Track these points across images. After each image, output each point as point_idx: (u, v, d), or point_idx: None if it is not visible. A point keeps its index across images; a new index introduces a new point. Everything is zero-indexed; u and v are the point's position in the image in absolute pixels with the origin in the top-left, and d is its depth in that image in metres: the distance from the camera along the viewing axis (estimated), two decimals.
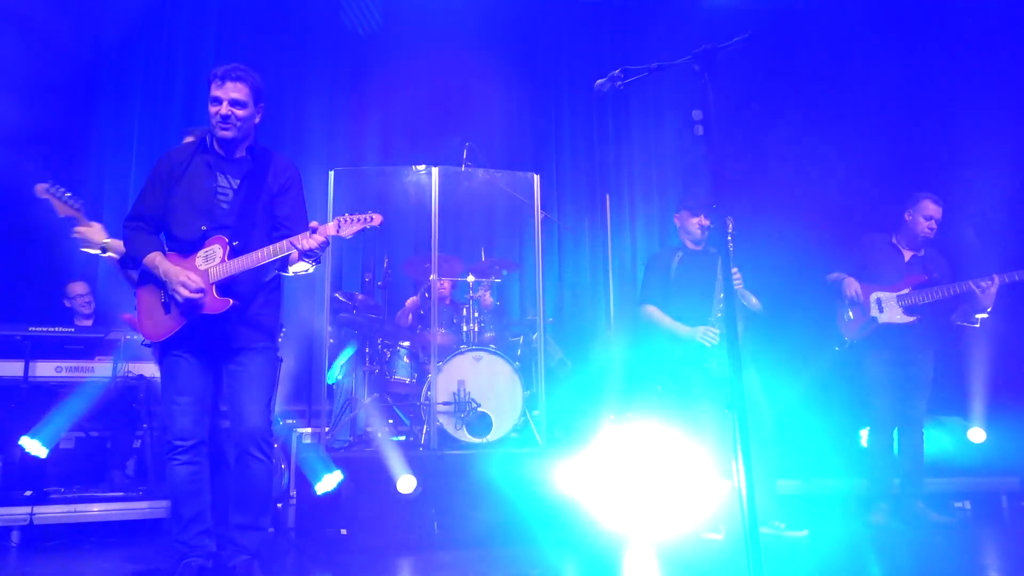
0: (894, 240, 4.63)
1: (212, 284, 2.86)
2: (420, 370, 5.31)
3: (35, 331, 4.70)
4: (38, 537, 4.03)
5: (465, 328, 5.28)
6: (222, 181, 2.98)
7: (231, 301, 2.86)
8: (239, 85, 2.93)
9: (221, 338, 2.94)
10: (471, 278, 5.44)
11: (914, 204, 4.56)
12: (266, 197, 3.00)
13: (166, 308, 2.91)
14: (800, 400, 5.21)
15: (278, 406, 4.55)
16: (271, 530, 4.18)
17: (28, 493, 4.17)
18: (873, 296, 4.50)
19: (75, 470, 4.59)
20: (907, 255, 4.57)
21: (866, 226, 4.83)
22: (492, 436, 4.80)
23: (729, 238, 4.08)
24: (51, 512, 4.09)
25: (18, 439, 4.30)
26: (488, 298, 5.52)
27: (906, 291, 4.42)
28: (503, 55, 6.97)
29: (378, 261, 6.02)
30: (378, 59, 6.76)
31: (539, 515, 4.22)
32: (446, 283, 5.60)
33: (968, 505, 4.98)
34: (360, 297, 5.64)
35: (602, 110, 7.12)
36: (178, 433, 2.89)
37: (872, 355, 4.49)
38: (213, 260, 2.88)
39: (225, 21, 6.70)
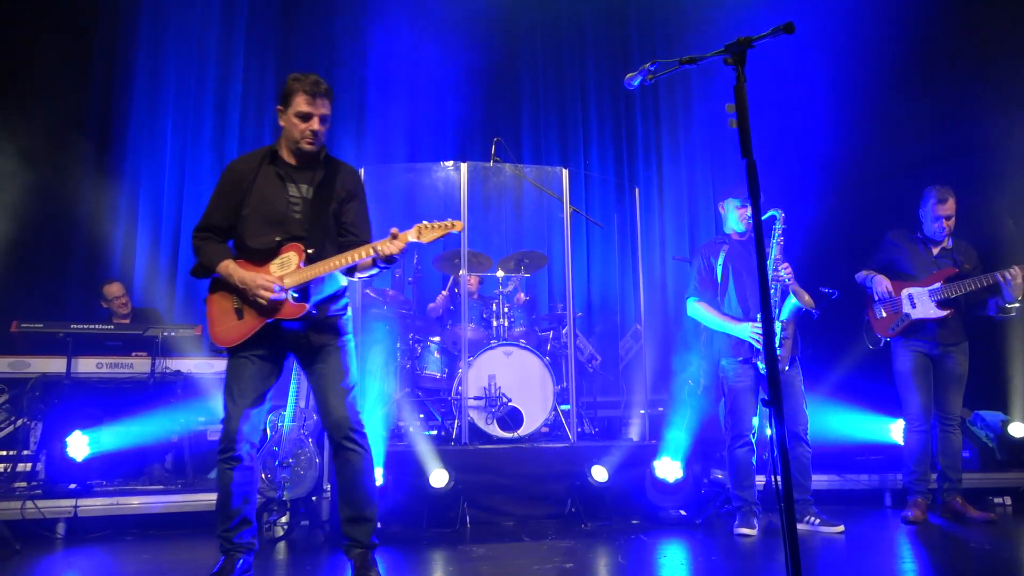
0: (920, 235, 4.54)
1: (288, 291, 2.89)
2: (451, 365, 5.35)
3: (77, 328, 4.82)
4: (82, 529, 4.14)
5: (495, 323, 5.30)
6: (293, 191, 3.01)
7: (306, 306, 2.91)
8: (327, 101, 2.97)
9: (295, 341, 3.00)
10: (500, 273, 5.45)
11: (922, 200, 4.50)
12: (335, 205, 3.05)
13: (238, 314, 2.95)
14: (834, 395, 5.16)
15: (312, 400, 4.61)
16: (308, 522, 4.25)
17: (72, 486, 4.29)
18: (904, 292, 4.42)
19: (115, 464, 4.70)
20: (935, 249, 4.49)
21: (900, 220, 4.74)
22: (523, 431, 4.82)
23: (779, 232, 4.06)
24: (94, 505, 4.20)
25: (62, 433, 4.42)
26: (521, 296, 5.54)
27: (937, 285, 4.34)
28: (530, 50, 6.97)
29: (408, 257, 6.06)
30: (405, 57, 6.80)
31: (571, 508, 4.24)
32: (473, 279, 5.63)
33: (1009, 501, 4.88)
34: (391, 293, 5.69)
35: (631, 103, 7.07)
36: (229, 437, 2.94)
37: (906, 350, 4.42)
38: (288, 267, 2.91)
39: (256, 14, 6.78)
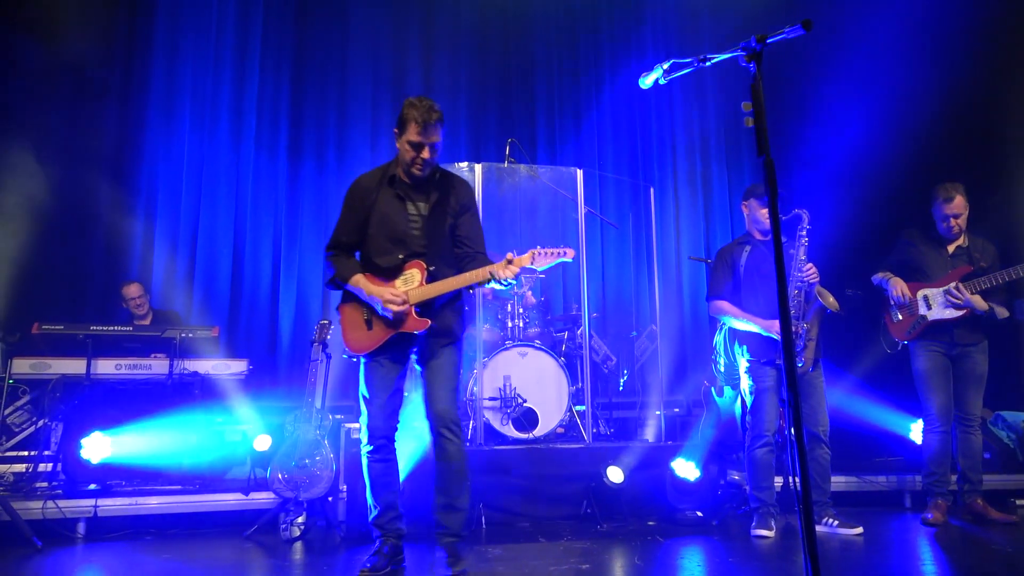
0: (933, 234, 4.49)
1: (411, 305, 3.10)
2: (466, 366, 5.35)
3: (96, 330, 4.88)
4: (102, 529, 4.18)
5: (510, 324, 5.30)
6: (411, 208, 3.21)
7: (429, 322, 3.12)
8: (439, 128, 3.12)
9: (419, 349, 3.25)
10: None
11: (932, 199, 4.44)
12: (450, 219, 3.23)
13: (368, 324, 3.19)
14: (853, 396, 5.11)
15: (328, 401, 4.64)
16: (324, 522, 4.27)
17: (92, 486, 4.34)
18: (920, 293, 4.37)
19: (133, 464, 4.73)
20: (950, 247, 4.43)
21: (918, 221, 4.70)
22: (538, 431, 4.82)
23: (804, 232, 4.02)
24: (113, 505, 4.25)
25: (82, 434, 4.47)
26: (531, 296, 5.54)
27: (951, 285, 4.28)
28: (543, 49, 6.96)
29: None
30: (418, 57, 6.82)
31: (587, 509, 4.23)
32: None
33: None
34: None
35: (645, 102, 7.05)
36: (372, 434, 3.23)
37: (924, 351, 4.37)
38: (412, 283, 3.13)
39: (271, 15, 6.82)
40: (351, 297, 3.23)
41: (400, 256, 3.16)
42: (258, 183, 6.55)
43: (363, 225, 3.21)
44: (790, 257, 3.99)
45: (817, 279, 4.01)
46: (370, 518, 3.30)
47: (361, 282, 3.16)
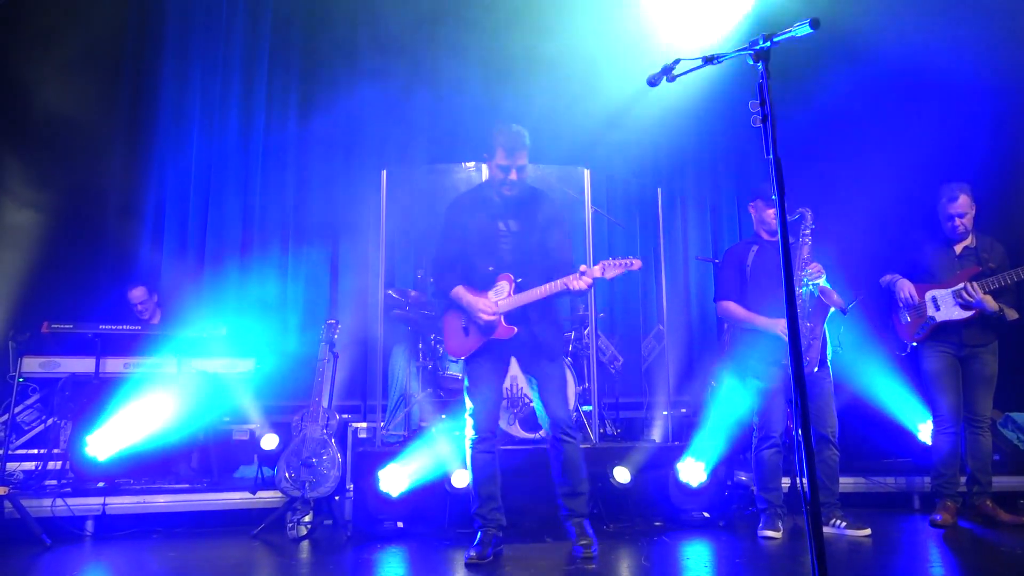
0: (940, 235, 4.46)
1: (501, 315, 3.46)
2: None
3: (105, 329, 4.90)
4: (110, 526, 4.20)
5: None
6: (502, 226, 3.58)
7: (515, 329, 3.49)
8: (525, 152, 3.49)
9: (516, 348, 3.59)
10: None
11: (937, 199, 4.42)
12: (537, 234, 3.57)
13: (465, 331, 3.57)
14: (861, 398, 5.08)
15: (335, 400, 4.65)
16: (331, 521, 4.28)
17: (101, 484, 4.36)
18: (928, 295, 4.35)
19: (142, 462, 4.76)
20: (958, 248, 4.39)
21: (927, 222, 4.67)
22: (544, 431, 4.81)
23: (808, 231, 4.00)
24: (122, 503, 4.27)
25: (90, 432, 4.50)
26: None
27: (961, 286, 4.25)
28: (549, 46, 6.94)
29: (430, 258, 6.07)
30: (425, 56, 6.82)
31: (593, 510, 4.21)
32: None
33: None
34: (413, 294, 5.70)
35: (651, 101, 7.01)
36: (476, 427, 3.55)
37: (933, 352, 4.34)
38: (502, 294, 3.51)
39: (280, 17, 6.83)
40: (453, 306, 3.60)
41: (491, 269, 3.53)
42: (266, 182, 6.56)
43: (461, 242, 3.59)
44: (794, 256, 3.98)
45: (821, 278, 3.98)
46: (473, 509, 3.58)
47: (460, 293, 3.53)
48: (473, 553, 3.42)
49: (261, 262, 6.55)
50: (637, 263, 3.43)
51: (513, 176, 3.48)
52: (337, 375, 4.66)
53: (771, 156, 1.92)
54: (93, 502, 4.18)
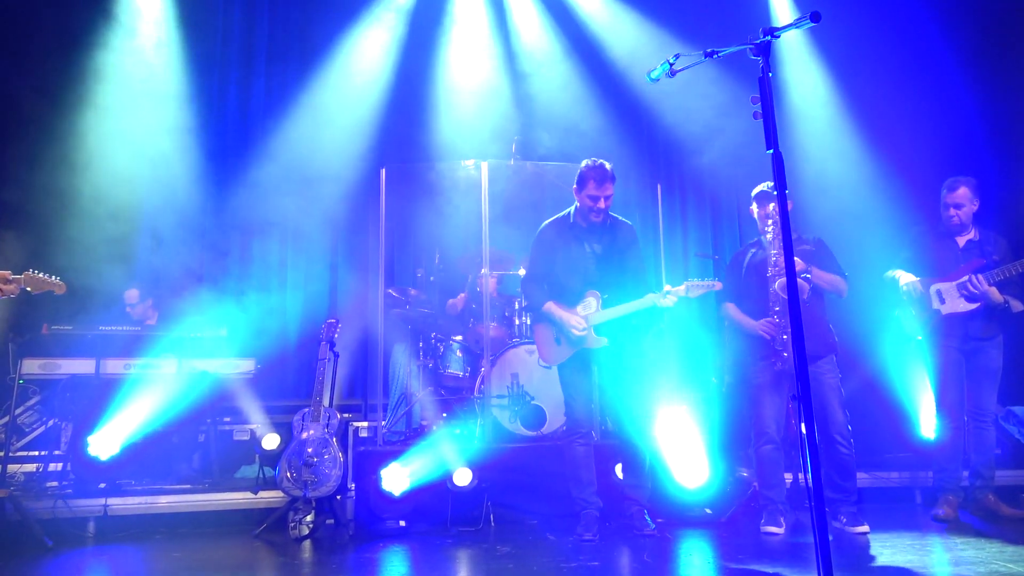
0: (942, 227, 4.46)
1: (590, 327, 3.87)
2: (473, 364, 5.35)
3: (105, 330, 4.90)
4: (112, 528, 4.19)
5: (517, 321, 5.29)
6: (587, 248, 4.01)
7: (604, 340, 3.89)
8: (612, 183, 3.93)
9: (600, 358, 3.97)
10: (522, 271, 5.43)
11: (940, 190, 4.43)
12: (617, 256, 4.00)
13: (558, 341, 3.99)
14: (864, 392, 5.08)
15: (336, 399, 4.64)
16: (333, 520, 4.27)
17: (102, 485, 4.35)
18: (932, 288, 4.34)
19: (144, 464, 4.76)
20: (960, 241, 4.39)
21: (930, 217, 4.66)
22: (546, 429, 4.82)
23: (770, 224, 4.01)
24: (123, 504, 4.26)
25: (91, 433, 4.49)
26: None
27: (965, 278, 4.25)
28: (550, 44, 6.93)
29: (429, 256, 6.07)
30: (424, 55, 6.80)
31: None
32: (491, 280, 5.60)
33: None
34: (413, 292, 5.70)
35: (652, 96, 7.00)
36: (576, 422, 3.99)
37: (938, 346, 4.34)
38: (589, 309, 3.93)
39: (276, 23, 6.81)
40: (544, 319, 4.03)
41: (580, 287, 3.95)
42: (264, 181, 6.52)
43: (550, 262, 4.02)
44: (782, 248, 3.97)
45: (798, 270, 3.95)
46: (574, 493, 3.98)
47: (551, 308, 3.97)
48: (587, 534, 3.80)
49: (261, 262, 6.54)
50: (718, 284, 3.97)
51: (602, 204, 3.92)
52: (338, 374, 4.64)
53: (771, 149, 1.91)
54: (95, 503, 4.18)
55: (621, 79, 6.90)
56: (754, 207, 4.22)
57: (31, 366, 4.78)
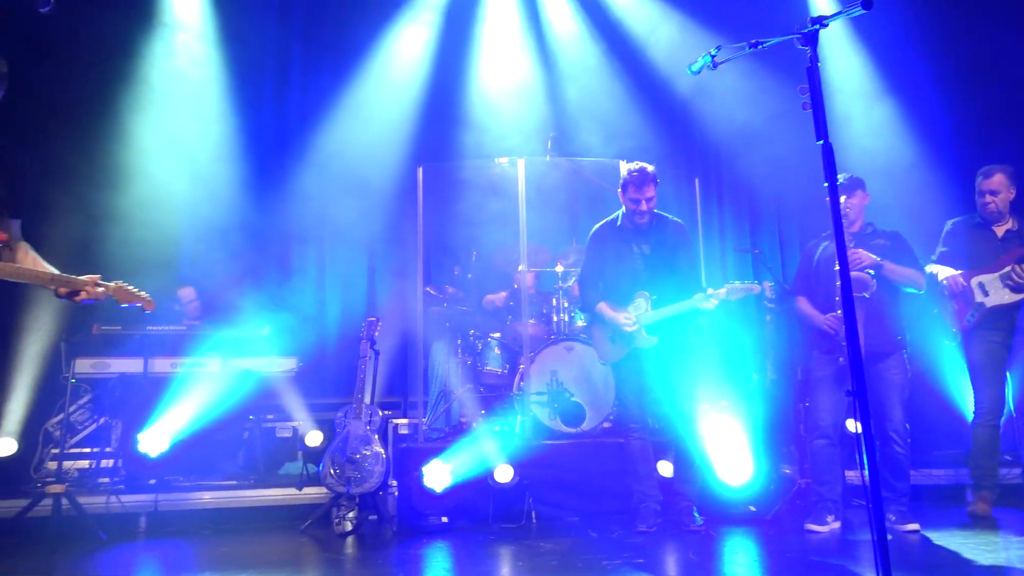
0: (978, 219, 4.34)
1: (641, 327, 3.96)
2: (511, 361, 5.35)
3: (152, 330, 5.01)
4: (162, 522, 4.29)
5: (555, 318, 5.28)
6: (636, 249, 4.08)
7: (655, 340, 3.96)
8: (653, 185, 4.00)
9: (655, 360, 4.01)
10: (560, 268, 5.43)
11: (976, 179, 4.33)
12: (667, 254, 4.05)
13: (612, 341, 4.07)
14: (912, 389, 4.96)
15: (377, 397, 4.68)
16: (376, 516, 4.31)
17: (152, 482, 4.46)
18: (974, 281, 4.23)
19: (190, 460, 4.86)
20: (999, 230, 4.27)
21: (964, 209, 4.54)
22: (586, 426, 4.80)
23: (844, 214, 3.90)
24: (172, 500, 4.36)
25: (140, 431, 4.60)
26: (576, 291, 5.50)
27: (1007, 268, 4.13)
28: (584, 39, 6.89)
29: (466, 254, 6.09)
30: (458, 52, 6.81)
31: (636, 504, 4.17)
32: (529, 276, 5.60)
33: None
34: (451, 290, 5.72)
35: (689, 90, 6.91)
36: (632, 418, 4.10)
37: (980, 341, 4.23)
38: (640, 309, 4.00)
39: (311, 26, 6.88)
40: (598, 319, 4.12)
41: (630, 288, 4.04)
42: (303, 179, 6.59)
43: (602, 264, 4.13)
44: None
45: (864, 264, 3.86)
46: (633, 486, 4.06)
47: (603, 309, 4.07)
48: (643, 525, 3.90)
49: (300, 261, 6.61)
50: (757, 288, 4.02)
51: (643, 207, 3.98)
52: (379, 372, 4.69)
53: (821, 140, 1.87)
54: (145, 499, 4.28)
55: (657, 73, 6.82)
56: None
57: (83, 365, 4.91)
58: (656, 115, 6.81)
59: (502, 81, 6.60)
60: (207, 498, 4.46)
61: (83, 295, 2.98)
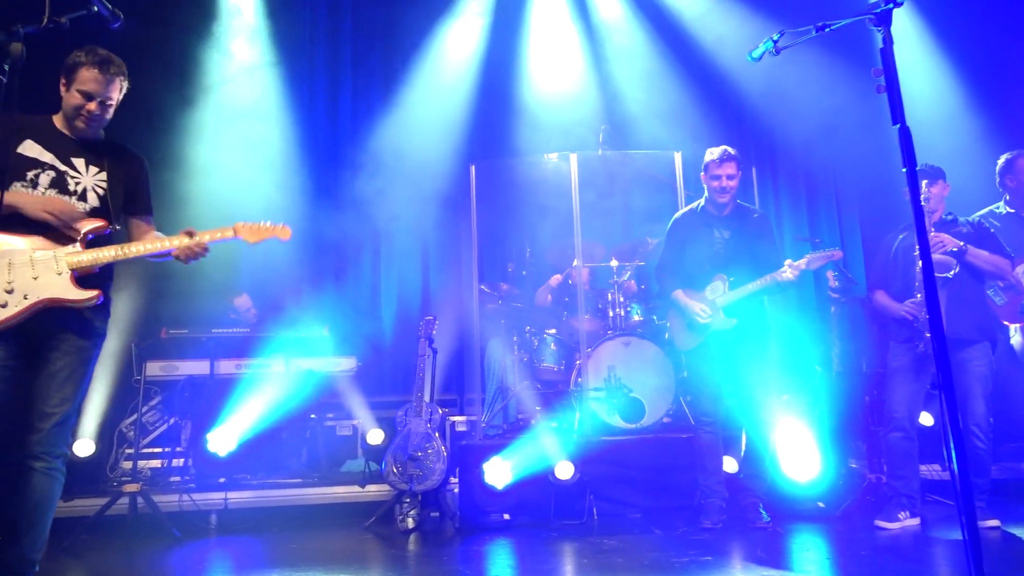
0: (1009, 209, 4.16)
1: (720, 308, 3.94)
2: (568, 357, 5.33)
3: (218, 332, 5.14)
4: (232, 520, 4.40)
5: (611, 313, 5.24)
6: (716, 234, 4.08)
7: (735, 321, 3.94)
8: (733, 164, 4.00)
9: (733, 346, 3.98)
10: (614, 262, 5.38)
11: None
12: (748, 241, 4.03)
13: (689, 328, 4.06)
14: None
15: (436, 395, 4.72)
16: (437, 514, 4.35)
17: (222, 480, 4.58)
18: (1020, 269, 4.04)
19: (257, 459, 4.98)
20: None
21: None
22: (645, 421, 4.75)
23: (924, 200, 3.77)
24: (242, 497, 4.47)
25: (208, 431, 4.74)
26: (632, 285, 5.45)
27: None
28: (633, 30, 6.81)
29: (520, 250, 6.08)
30: (507, 48, 6.81)
31: (700, 500, 4.12)
32: (584, 271, 5.56)
33: None
34: (504, 287, 5.73)
35: (741, 77, 6.76)
36: (704, 412, 4.10)
37: None
38: (717, 292, 4.00)
39: (360, 28, 6.96)
40: (675, 306, 4.14)
41: (708, 271, 4.03)
42: (355, 181, 6.68)
43: (681, 251, 4.12)
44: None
45: (947, 250, 3.70)
46: (700, 480, 4.06)
47: (678, 295, 4.08)
48: (708, 522, 3.87)
49: (355, 261, 6.70)
50: (838, 253, 3.90)
51: (724, 183, 3.98)
52: (436, 370, 4.72)
53: (898, 123, 1.80)
54: (216, 497, 4.40)
55: (710, 62, 6.70)
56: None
57: (153, 368, 5.07)
58: (709, 105, 6.70)
59: (553, 75, 6.58)
60: (275, 495, 4.56)
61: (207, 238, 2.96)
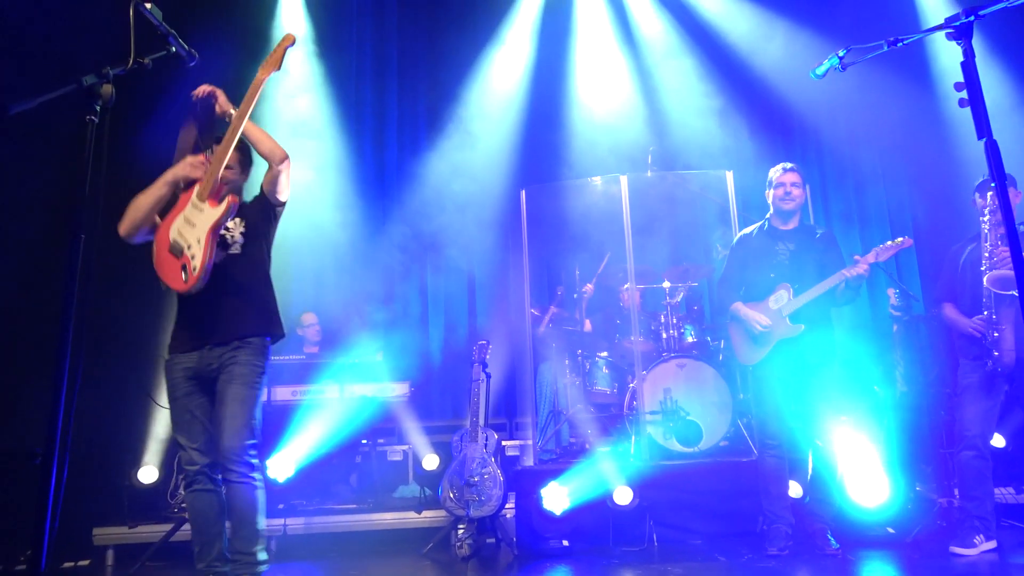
0: None
1: (785, 316, 3.86)
2: (620, 380, 5.28)
3: (274, 360, 5.20)
4: (290, 546, 4.43)
5: (664, 335, 5.18)
6: (781, 246, 4.05)
7: (802, 327, 3.82)
8: (796, 175, 4.03)
9: (800, 357, 3.85)
10: (667, 283, 5.33)
11: None
12: (814, 254, 3.97)
13: (754, 341, 3.96)
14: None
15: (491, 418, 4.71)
16: (494, 539, 4.31)
17: (281, 506, 4.62)
18: None
19: (313, 485, 5.01)
20: None
21: None
22: (703, 445, 4.67)
23: (987, 212, 3.66)
24: (299, 523, 4.50)
25: (267, 457, 4.78)
26: (684, 297, 5.38)
27: None
28: (679, 50, 6.81)
29: (569, 273, 6.07)
30: (553, 72, 6.85)
31: (763, 526, 4.02)
32: (636, 294, 5.52)
33: None
34: (554, 310, 5.71)
35: (791, 95, 6.69)
36: (768, 434, 3.95)
37: None
38: (781, 301, 3.91)
39: (406, 39, 7.06)
40: (735, 319, 4.05)
41: (772, 281, 3.97)
42: (403, 206, 6.74)
43: (744, 265, 4.11)
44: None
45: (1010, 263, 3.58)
46: (764, 505, 3.92)
47: (738, 307, 4.01)
48: (774, 549, 3.76)
49: (404, 286, 6.74)
50: (908, 241, 3.76)
51: (789, 190, 3.98)
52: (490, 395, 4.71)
53: (984, 137, 1.75)
54: (275, 523, 4.43)
55: (758, 80, 6.65)
56: (976, 197, 3.89)
57: None
58: (758, 123, 6.63)
59: (600, 98, 6.59)
60: (331, 521, 4.58)
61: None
